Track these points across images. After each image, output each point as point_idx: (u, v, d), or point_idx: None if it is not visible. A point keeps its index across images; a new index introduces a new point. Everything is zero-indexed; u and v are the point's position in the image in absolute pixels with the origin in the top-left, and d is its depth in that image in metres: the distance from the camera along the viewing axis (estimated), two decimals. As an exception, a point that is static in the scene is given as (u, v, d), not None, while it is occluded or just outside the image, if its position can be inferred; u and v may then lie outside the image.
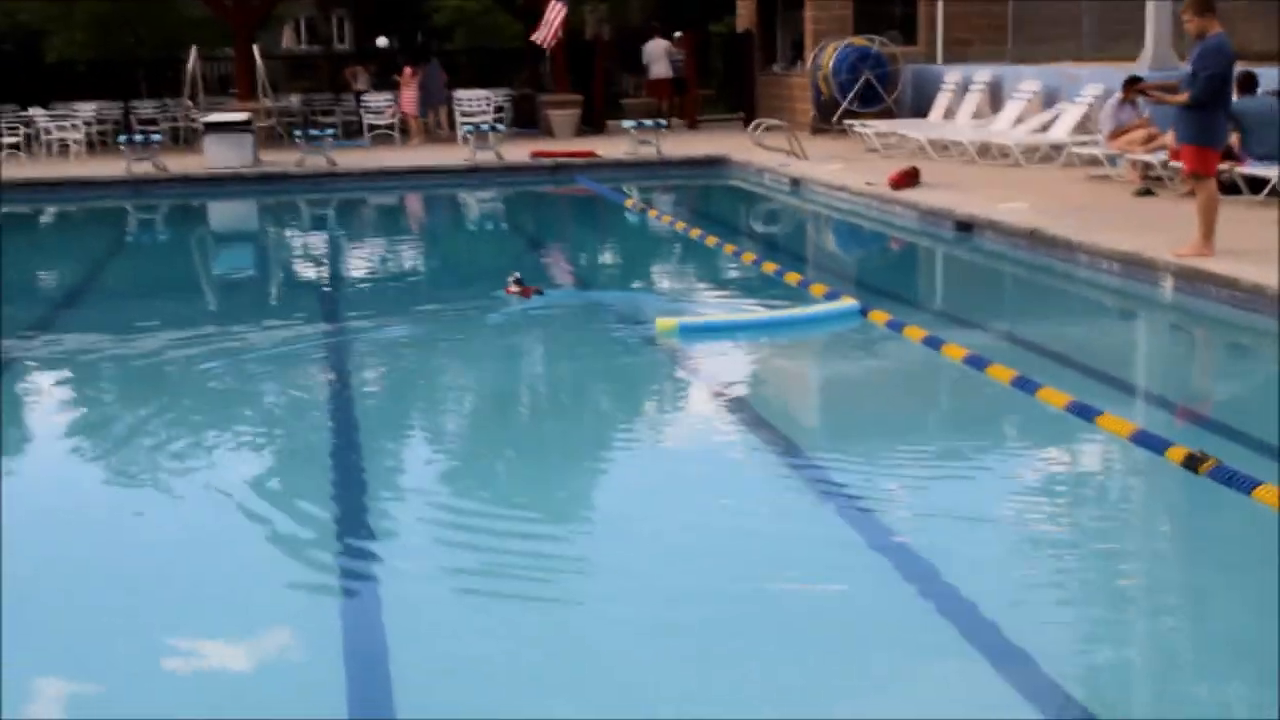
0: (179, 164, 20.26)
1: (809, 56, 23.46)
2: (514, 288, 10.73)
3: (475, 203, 19.51)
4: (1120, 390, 8.03)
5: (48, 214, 18.86)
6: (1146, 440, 6.55)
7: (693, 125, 26.51)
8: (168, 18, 32.93)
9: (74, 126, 22.60)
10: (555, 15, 22.97)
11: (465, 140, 21.41)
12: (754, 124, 21.84)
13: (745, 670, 4.51)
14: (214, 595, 5.24)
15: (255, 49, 24.06)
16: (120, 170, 19.68)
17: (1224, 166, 11.80)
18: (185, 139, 23.96)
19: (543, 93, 26.23)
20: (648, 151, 20.81)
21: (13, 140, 21.94)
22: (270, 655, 4.79)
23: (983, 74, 20.34)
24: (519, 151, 21.14)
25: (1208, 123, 10.19)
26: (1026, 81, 18.95)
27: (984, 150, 17.98)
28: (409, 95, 24.31)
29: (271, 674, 4.63)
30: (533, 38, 23.55)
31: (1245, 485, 5.73)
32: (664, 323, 9.40)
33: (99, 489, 6.65)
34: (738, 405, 7.90)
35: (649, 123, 21.24)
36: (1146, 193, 13.88)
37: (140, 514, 6.27)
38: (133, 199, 19.12)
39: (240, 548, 5.73)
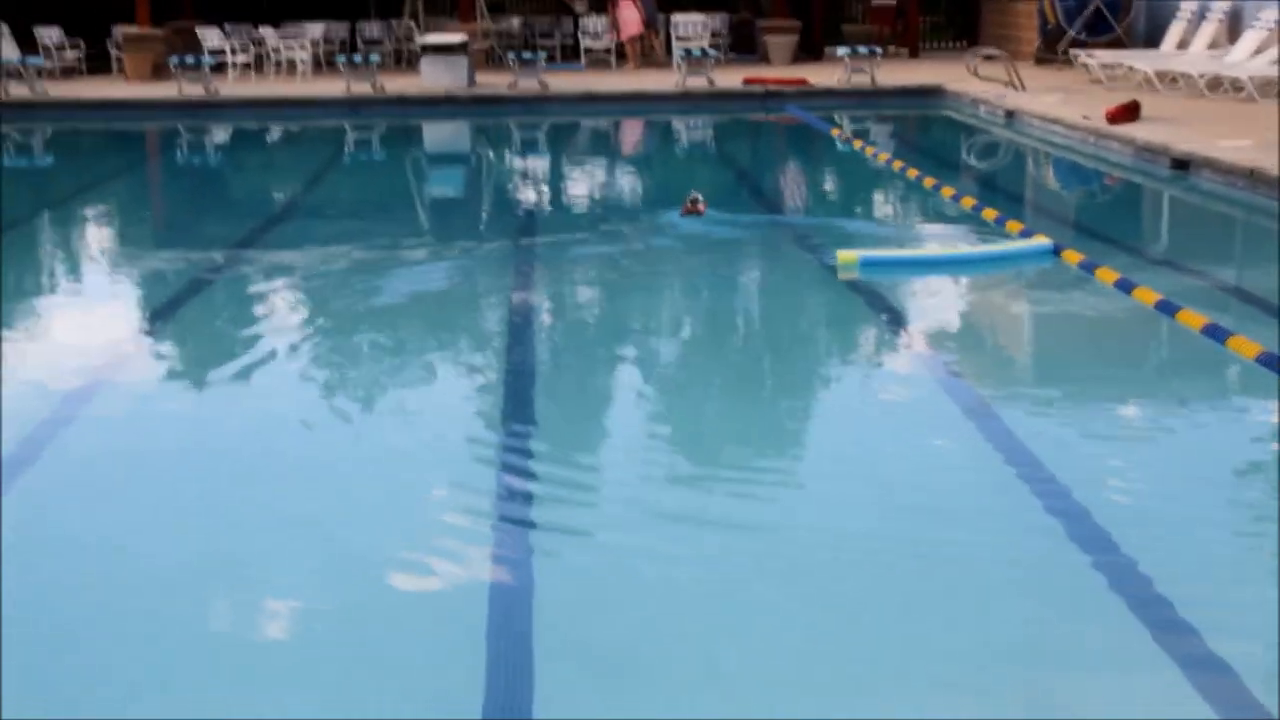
0: (397, 85, 20.69)
1: (1037, -17, 22.56)
2: (689, 206, 10.69)
3: (683, 129, 19.40)
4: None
5: (273, 132, 19.52)
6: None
7: (914, 53, 25.80)
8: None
9: (302, 46, 23.24)
10: None
11: (679, 66, 21.27)
12: (970, 53, 21.12)
13: (912, 622, 4.34)
14: (379, 508, 5.29)
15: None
16: (340, 90, 20.19)
17: None
18: (407, 60, 24.41)
19: (761, 18, 25.87)
20: (861, 80, 20.33)
21: (244, 59, 22.70)
22: (422, 576, 4.72)
23: (1221, 2, 19.20)
24: (732, 78, 20.91)
25: None
26: (1269, 10, 17.76)
27: (1215, 84, 16.99)
28: (627, 18, 24.23)
29: (421, 595, 4.60)
30: None
31: None
32: (845, 255, 9.17)
33: (290, 396, 6.86)
34: (909, 341, 7.71)
35: (863, 50, 20.72)
36: (1387, 132, 12.93)
37: (310, 425, 6.38)
38: (350, 118, 19.59)
39: (414, 459, 5.82)
